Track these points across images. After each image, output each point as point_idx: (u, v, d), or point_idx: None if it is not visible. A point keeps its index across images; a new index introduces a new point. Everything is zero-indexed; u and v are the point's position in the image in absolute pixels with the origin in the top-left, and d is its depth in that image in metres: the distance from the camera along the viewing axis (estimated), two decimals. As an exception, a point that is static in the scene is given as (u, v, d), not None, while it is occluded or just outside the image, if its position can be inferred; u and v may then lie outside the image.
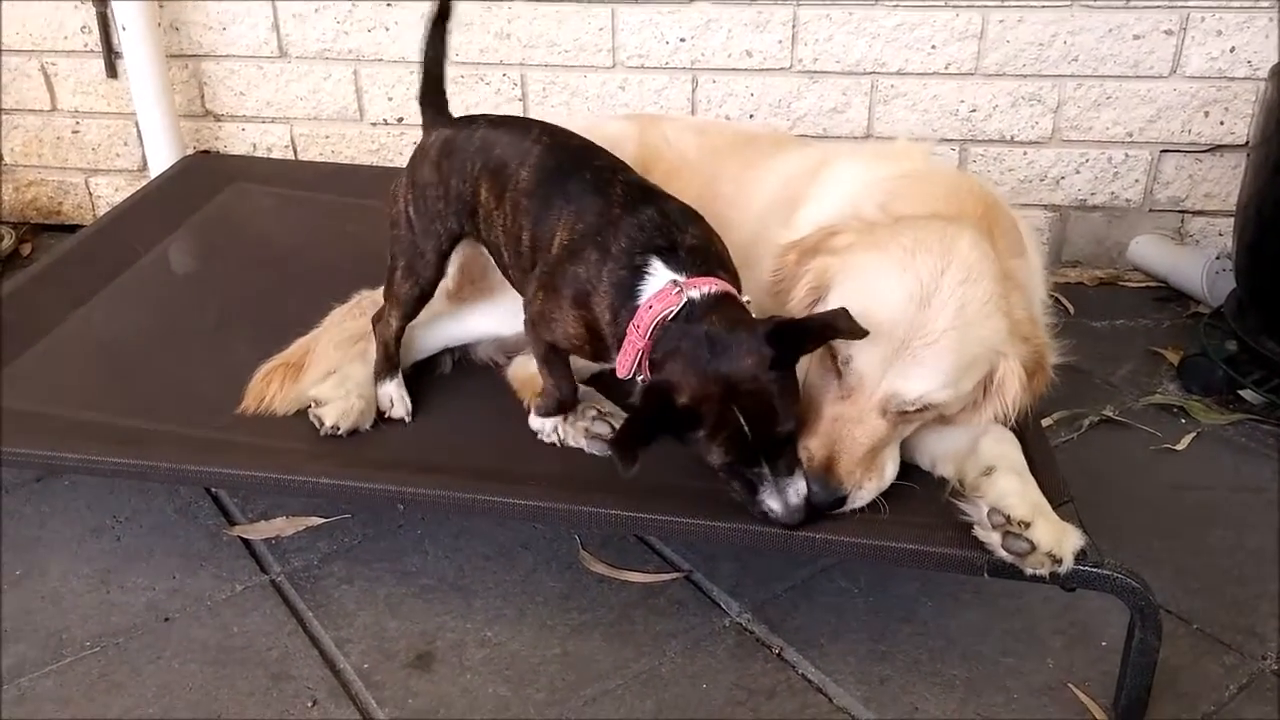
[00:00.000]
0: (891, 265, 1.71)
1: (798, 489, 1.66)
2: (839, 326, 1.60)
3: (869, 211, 1.86)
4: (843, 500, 1.72)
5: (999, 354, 1.75)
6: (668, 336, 1.62)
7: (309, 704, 1.81)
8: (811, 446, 1.72)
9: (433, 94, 2.06)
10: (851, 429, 1.72)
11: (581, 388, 2.03)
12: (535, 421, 2.01)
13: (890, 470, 1.78)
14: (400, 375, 2.10)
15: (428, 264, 1.98)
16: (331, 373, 2.11)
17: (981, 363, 1.74)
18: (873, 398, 1.71)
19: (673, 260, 1.67)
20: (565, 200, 1.78)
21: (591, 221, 1.74)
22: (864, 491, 1.74)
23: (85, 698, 1.82)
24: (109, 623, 1.97)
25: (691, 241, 1.71)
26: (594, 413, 1.99)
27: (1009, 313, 1.75)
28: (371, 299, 2.31)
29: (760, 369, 1.57)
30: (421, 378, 2.20)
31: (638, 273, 1.67)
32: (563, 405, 1.96)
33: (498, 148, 1.89)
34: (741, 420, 1.57)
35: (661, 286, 1.65)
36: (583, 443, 1.98)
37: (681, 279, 1.65)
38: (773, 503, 1.65)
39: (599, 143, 1.96)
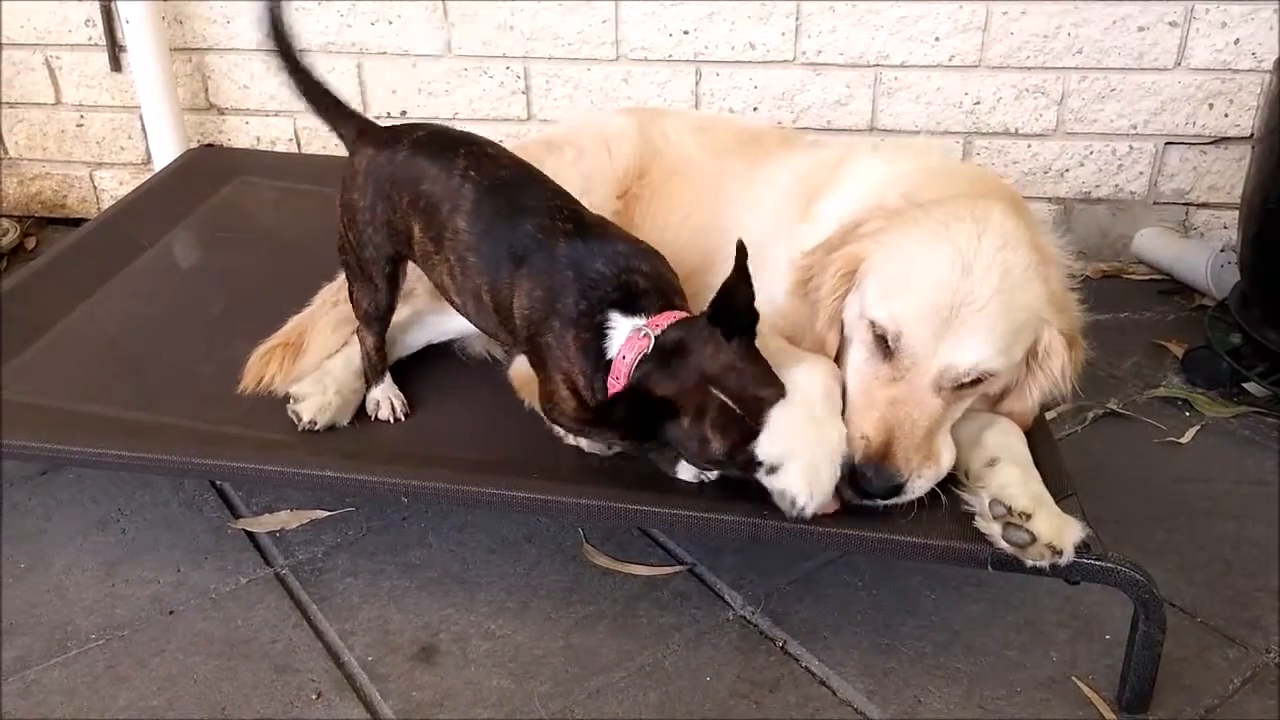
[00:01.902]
0: (928, 238, 1.69)
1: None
2: (735, 269, 1.59)
3: (893, 202, 1.84)
4: (900, 488, 1.68)
5: (1043, 321, 1.74)
6: (643, 372, 1.63)
7: (313, 696, 1.81)
8: (868, 432, 1.68)
9: (325, 105, 2.07)
10: (908, 410, 1.68)
11: None
12: (573, 441, 1.97)
13: (947, 458, 1.73)
14: (388, 378, 2.10)
15: (376, 286, 1.97)
16: (334, 354, 2.14)
17: (1028, 330, 1.72)
18: (927, 374, 1.68)
19: (631, 308, 1.68)
20: (513, 263, 1.76)
21: (545, 285, 1.72)
22: (922, 480, 1.70)
23: (90, 690, 1.83)
24: (114, 615, 1.98)
25: (644, 285, 1.71)
26: None
27: (1046, 280, 1.74)
28: None
29: (717, 345, 1.59)
30: (424, 371, 2.21)
31: (600, 331, 1.67)
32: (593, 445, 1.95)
33: (424, 182, 1.84)
34: (724, 398, 1.57)
35: (627, 336, 1.66)
36: (583, 442, 1.98)
37: (642, 322, 1.66)
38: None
39: (600, 139, 1.96)
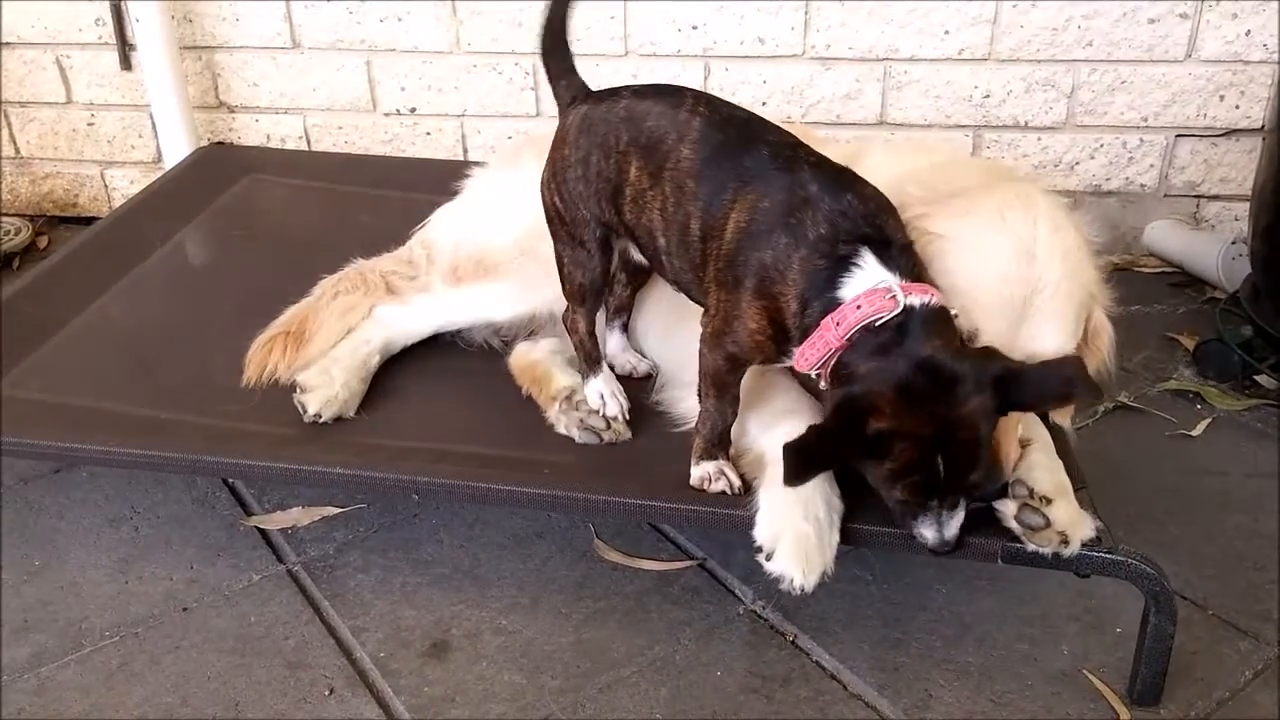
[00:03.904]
0: (986, 227, 1.67)
1: (957, 523, 1.54)
2: (1075, 383, 1.44)
3: (915, 194, 1.80)
4: (1005, 486, 1.64)
5: (1094, 299, 1.74)
6: (869, 344, 1.45)
7: (326, 692, 1.82)
8: None
9: (559, 59, 1.87)
10: None
11: (573, 379, 2.03)
12: (697, 471, 1.78)
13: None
14: (605, 369, 1.98)
15: (590, 254, 1.84)
16: (338, 342, 2.15)
17: (1085, 310, 1.71)
18: None
19: (886, 257, 1.49)
20: (741, 179, 1.59)
21: (780, 200, 1.54)
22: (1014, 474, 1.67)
23: (104, 687, 1.84)
24: (128, 613, 1.99)
25: (903, 239, 1.54)
26: (589, 406, 1.99)
27: (1093, 260, 1.74)
28: (359, 269, 2.34)
29: (979, 416, 1.43)
30: (432, 364, 2.22)
31: (842, 264, 1.48)
32: (724, 436, 1.77)
33: (649, 119, 1.70)
34: (940, 467, 1.44)
35: (872, 285, 1.47)
36: (575, 433, 1.98)
37: (895, 281, 1.47)
38: (928, 532, 1.54)
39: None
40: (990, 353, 1.49)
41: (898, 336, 1.45)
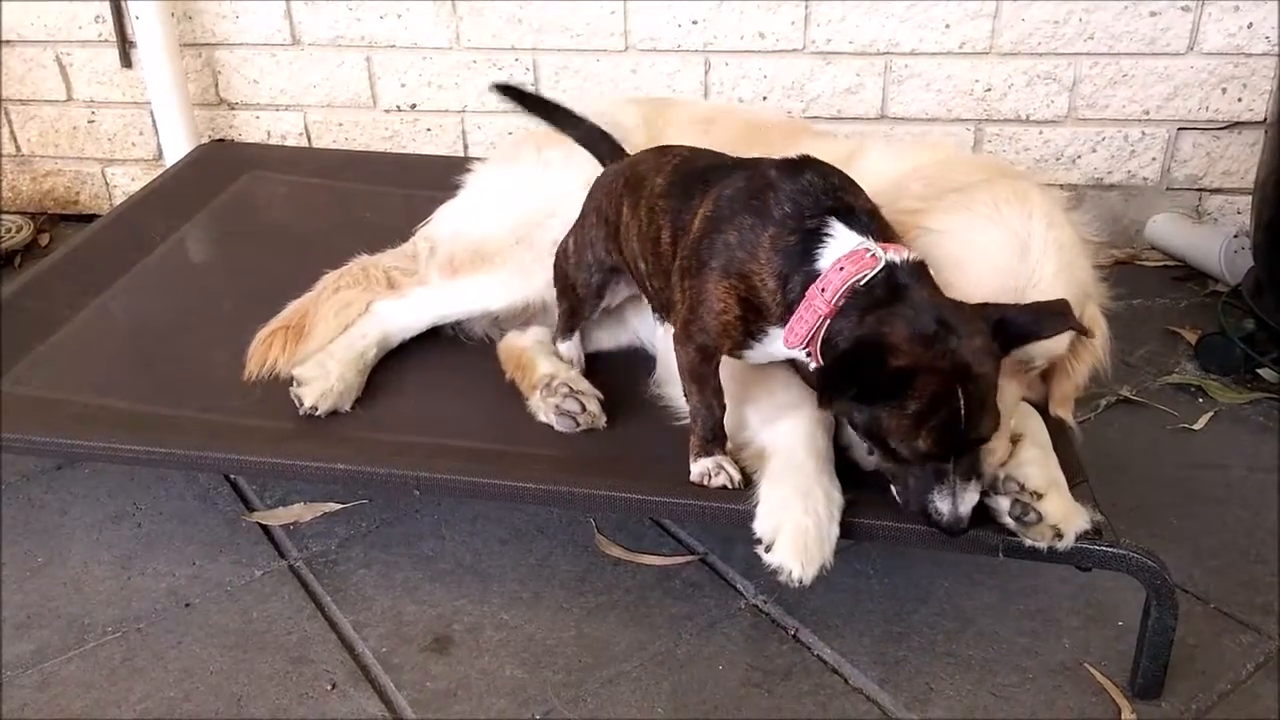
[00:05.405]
0: (980, 221, 1.67)
1: (972, 499, 1.52)
2: (1066, 319, 1.49)
3: (915, 189, 1.81)
4: (993, 482, 1.64)
5: (1088, 296, 1.74)
6: (859, 305, 1.46)
7: (328, 687, 1.82)
8: None
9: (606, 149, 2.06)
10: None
11: (555, 367, 2.04)
12: (696, 468, 1.79)
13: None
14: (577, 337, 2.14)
15: (582, 300, 2.05)
16: (335, 338, 2.16)
17: (1079, 306, 1.70)
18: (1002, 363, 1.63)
19: (854, 222, 1.51)
20: (706, 185, 1.66)
21: (740, 186, 1.60)
22: (1004, 470, 1.67)
23: (107, 682, 1.84)
24: (130, 608, 1.99)
25: (868, 206, 1.57)
26: (565, 390, 2.00)
27: (1088, 255, 1.74)
28: (362, 264, 2.35)
29: (989, 354, 1.44)
30: (432, 358, 2.22)
31: (813, 236, 1.51)
32: (717, 430, 1.77)
33: (640, 165, 1.86)
34: (963, 406, 1.41)
35: (850, 249, 1.49)
36: (553, 419, 1.99)
37: (871, 242, 1.49)
38: (943, 504, 1.51)
39: (609, 129, 1.96)
40: (979, 304, 1.52)
41: (887, 292, 1.46)
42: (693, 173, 1.74)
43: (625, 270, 1.95)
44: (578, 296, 2.04)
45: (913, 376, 1.41)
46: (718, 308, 1.60)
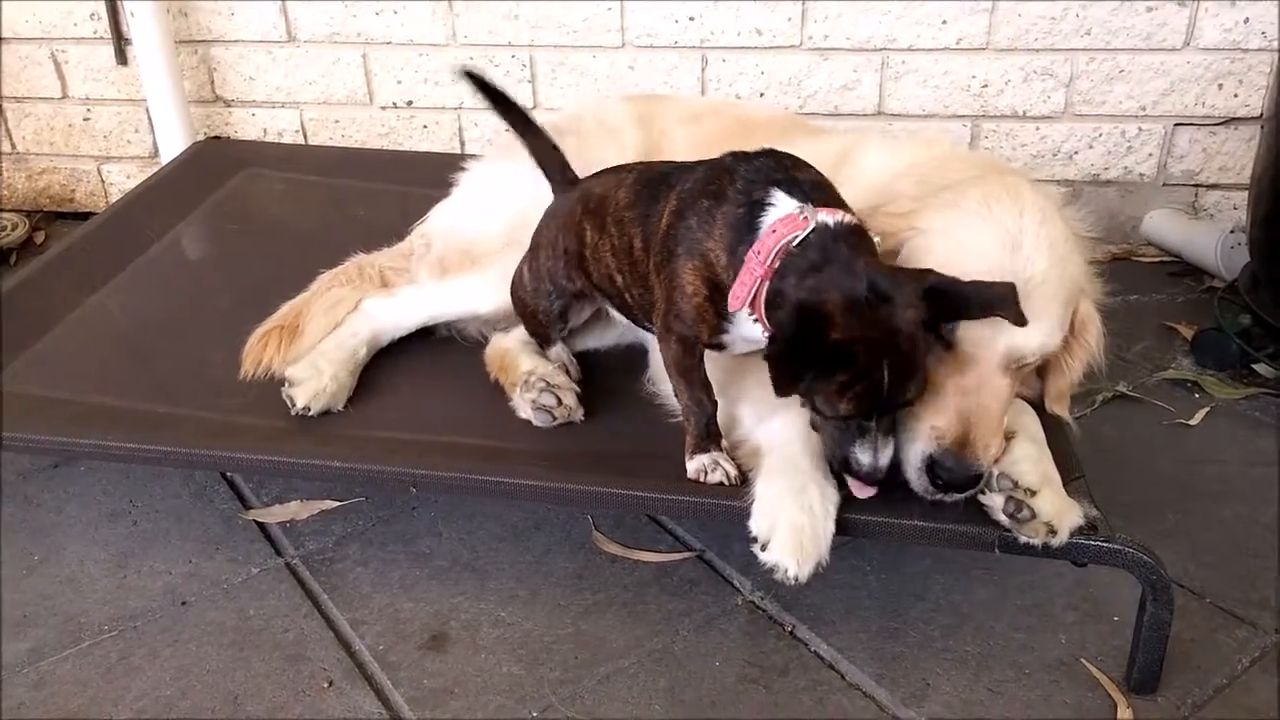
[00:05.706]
0: (970, 218, 1.67)
1: (889, 452, 1.58)
2: (1006, 304, 1.51)
3: (908, 189, 1.81)
4: (979, 477, 1.63)
5: (1081, 292, 1.74)
6: (794, 267, 1.51)
7: (325, 685, 1.82)
8: (941, 426, 1.62)
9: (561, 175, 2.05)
10: (981, 398, 1.64)
11: (535, 364, 2.05)
12: (692, 464, 1.79)
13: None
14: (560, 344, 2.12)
15: (546, 324, 2.05)
16: (327, 336, 2.16)
17: (1073, 302, 1.71)
18: (994, 359, 1.65)
19: (796, 191, 1.57)
20: (669, 186, 1.72)
21: (700, 177, 1.67)
22: (996, 466, 1.66)
23: (104, 680, 1.84)
24: (126, 606, 1.99)
25: (813, 177, 1.62)
26: (541, 385, 2.00)
27: (1082, 252, 1.74)
28: (358, 263, 2.35)
29: (916, 325, 1.48)
30: (429, 356, 2.22)
31: (757, 206, 1.57)
32: (711, 426, 1.78)
33: (596, 188, 1.89)
34: (885, 375, 1.46)
35: (786, 213, 1.55)
36: (530, 414, 1.99)
37: (807, 208, 1.54)
38: (864, 457, 1.56)
39: (601, 127, 1.96)
40: (921, 270, 1.55)
41: (821, 255, 1.51)
42: (654, 178, 1.79)
43: (590, 295, 1.98)
44: (540, 322, 2.06)
45: (849, 348, 1.46)
46: (689, 290, 1.65)
